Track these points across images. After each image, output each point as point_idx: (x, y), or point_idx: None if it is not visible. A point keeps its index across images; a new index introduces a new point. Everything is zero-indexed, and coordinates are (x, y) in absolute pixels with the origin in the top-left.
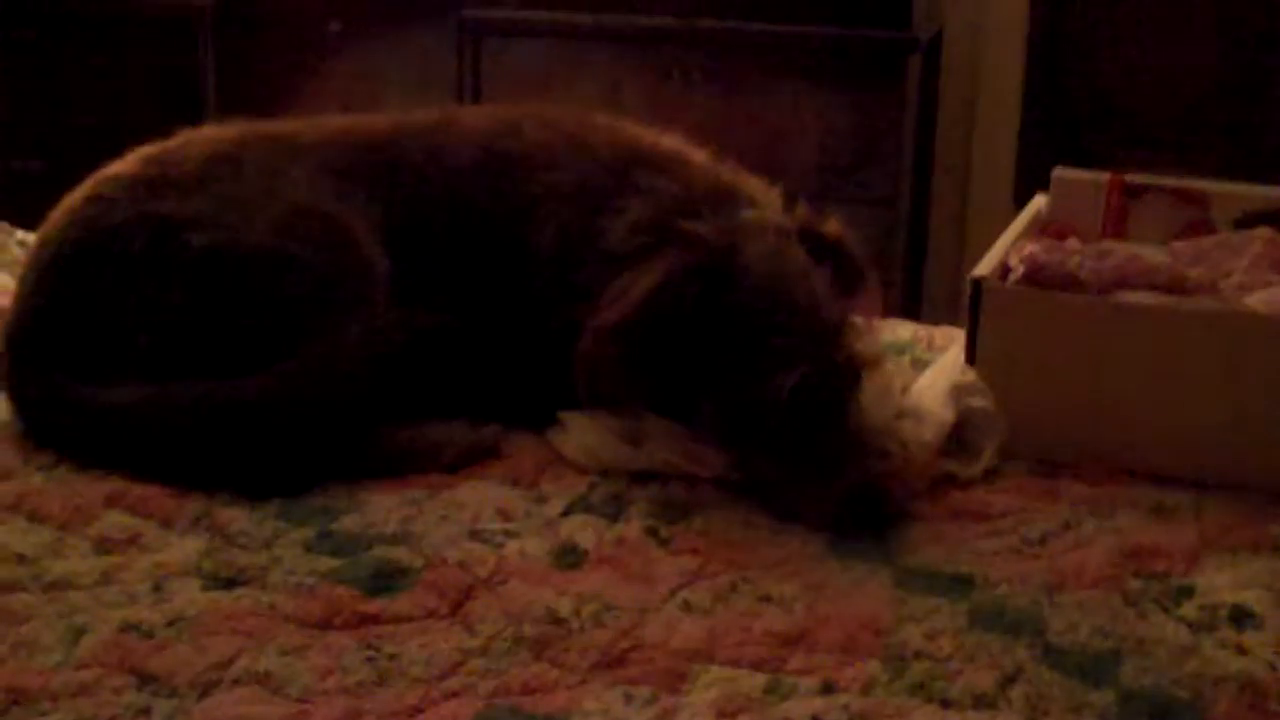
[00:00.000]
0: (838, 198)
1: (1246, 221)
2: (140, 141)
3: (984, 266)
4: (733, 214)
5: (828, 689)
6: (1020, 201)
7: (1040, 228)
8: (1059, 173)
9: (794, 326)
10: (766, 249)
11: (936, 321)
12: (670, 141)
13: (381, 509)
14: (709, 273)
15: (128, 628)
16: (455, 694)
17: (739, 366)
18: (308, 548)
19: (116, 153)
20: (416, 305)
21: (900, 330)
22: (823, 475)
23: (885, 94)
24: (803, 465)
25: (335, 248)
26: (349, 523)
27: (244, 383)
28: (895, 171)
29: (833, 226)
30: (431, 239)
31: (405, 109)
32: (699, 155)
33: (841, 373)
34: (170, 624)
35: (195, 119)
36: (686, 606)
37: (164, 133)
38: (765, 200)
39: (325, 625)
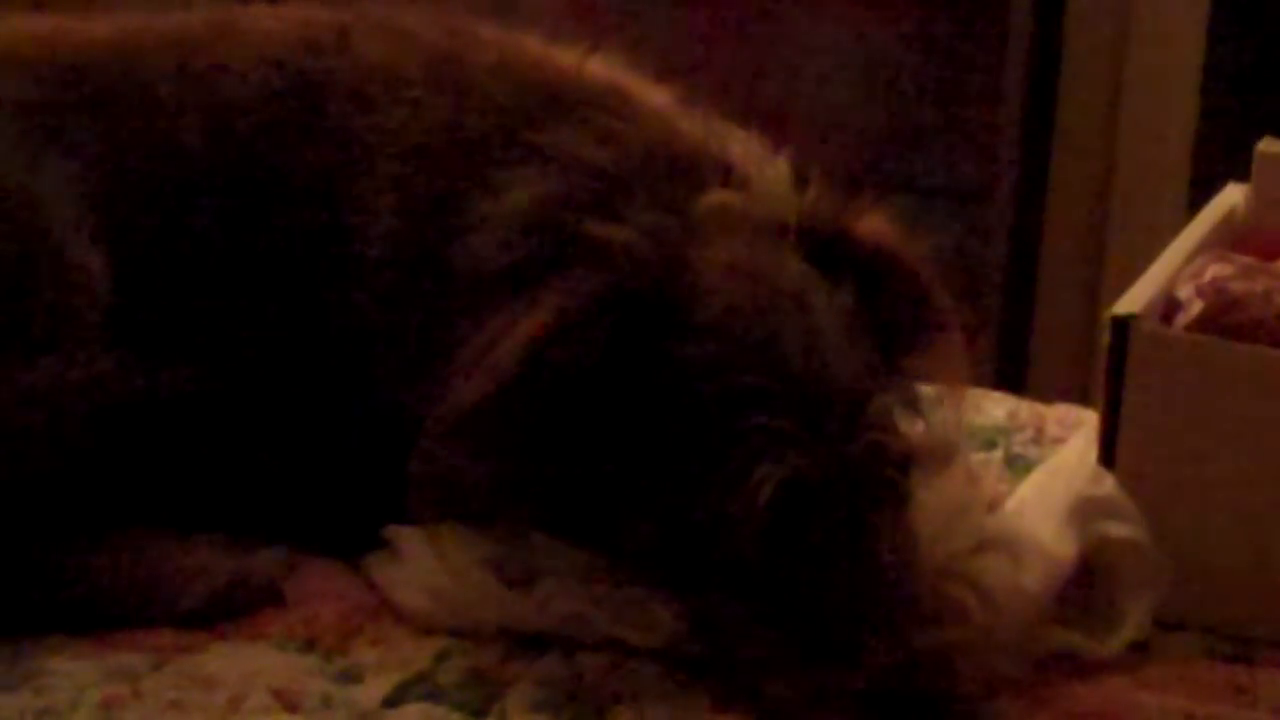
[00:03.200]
0: (896, 184)
1: None
2: None
3: (1134, 299)
4: (688, 199)
5: None
6: (1199, 197)
7: (1233, 238)
8: (1268, 147)
9: (780, 393)
10: (737, 263)
11: (1051, 394)
12: (603, 70)
13: (69, 685)
14: (633, 309)
15: None
16: None
17: (689, 463)
18: None
19: None
20: (155, 345)
21: (990, 406)
22: (838, 649)
23: (976, 15)
24: (803, 631)
25: (15, 240)
26: (9, 709)
27: None
28: (991, 144)
29: (872, 224)
30: (183, 229)
31: (147, 6)
32: (653, 95)
33: (867, 472)
34: None
35: None
36: None
37: None
38: (757, 175)
39: None
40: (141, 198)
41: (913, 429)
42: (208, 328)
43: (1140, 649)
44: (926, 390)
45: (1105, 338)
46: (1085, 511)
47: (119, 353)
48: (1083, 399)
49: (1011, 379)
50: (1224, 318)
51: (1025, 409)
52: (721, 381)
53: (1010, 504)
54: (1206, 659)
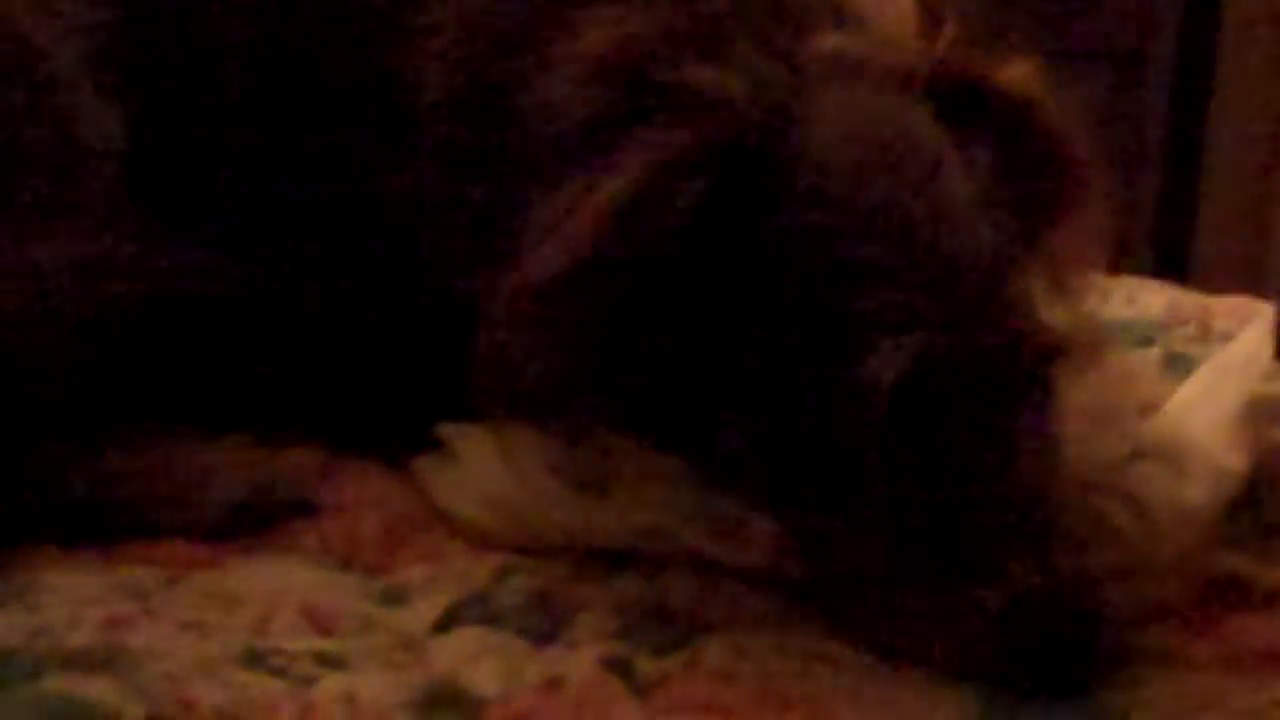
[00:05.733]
0: (1042, 44)
1: None
2: None
3: None
4: (795, 42)
5: None
6: None
7: None
8: None
9: (904, 269)
10: (855, 118)
11: (1218, 284)
12: None
13: (68, 601)
14: (732, 169)
15: None
16: None
17: (795, 349)
18: None
19: None
20: (176, 218)
21: (1146, 296)
22: (969, 571)
23: None
24: (927, 550)
25: (15, 93)
26: (3, 627)
27: None
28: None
29: (1014, 75)
30: (208, 79)
31: None
32: None
33: (1007, 364)
34: None
35: None
36: None
37: None
38: (875, 16)
39: None
40: (160, 44)
41: (1056, 318)
42: (235, 197)
43: None
44: (1069, 273)
45: None
46: (1259, 414)
47: (136, 227)
48: (1253, 289)
49: (1172, 266)
50: None
51: (1188, 301)
52: (835, 254)
53: (1170, 407)
54: None
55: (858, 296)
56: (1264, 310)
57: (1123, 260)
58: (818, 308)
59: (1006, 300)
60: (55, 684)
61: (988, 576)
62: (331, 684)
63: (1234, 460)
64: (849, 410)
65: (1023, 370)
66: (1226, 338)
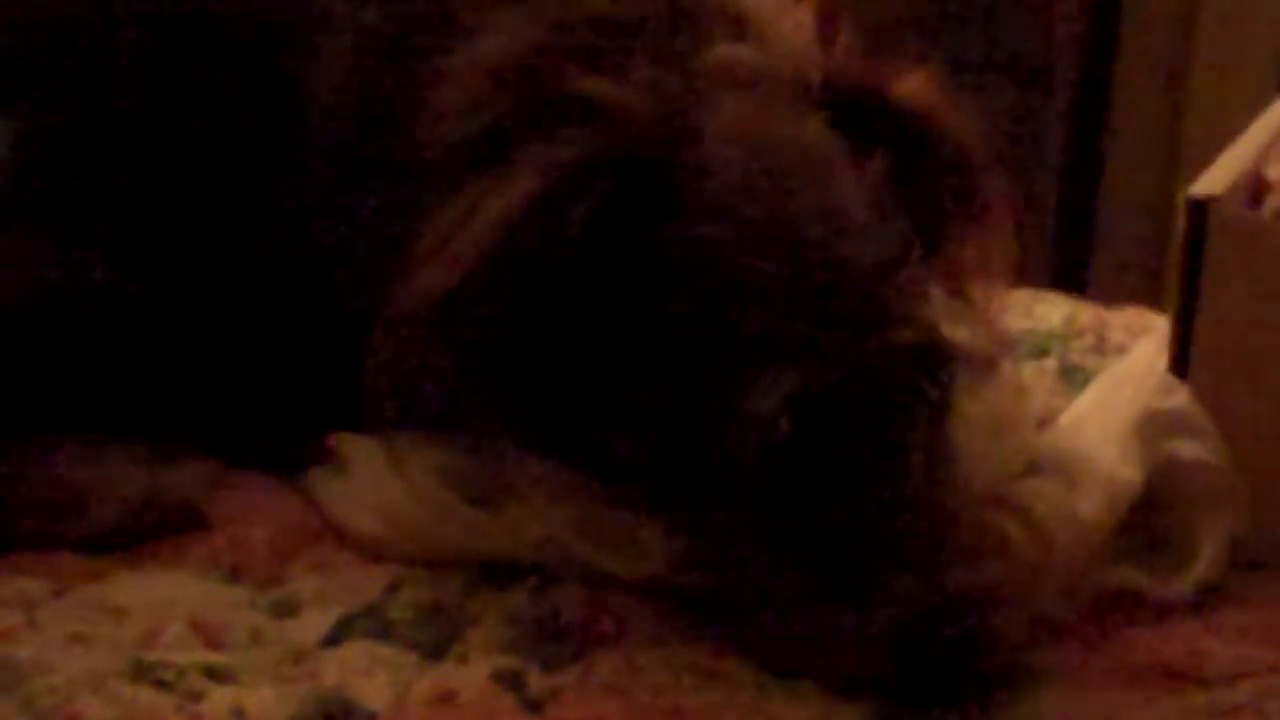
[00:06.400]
0: (944, 55)
1: None
2: None
3: (1216, 179)
4: (692, 52)
5: None
6: None
7: None
8: None
9: (790, 284)
10: (748, 129)
11: (1115, 297)
12: None
13: None
14: (625, 180)
15: None
16: None
17: (680, 370)
18: None
19: None
20: (62, 225)
21: (1044, 309)
22: (859, 588)
23: None
24: (819, 566)
25: None
26: None
27: None
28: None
29: (910, 86)
30: (95, 80)
31: None
32: None
33: (893, 378)
34: None
35: None
36: None
37: None
38: (773, 27)
39: None
40: (49, 50)
41: (953, 329)
42: (126, 202)
43: (1214, 590)
44: (969, 284)
45: (1182, 223)
46: (1152, 428)
47: (22, 234)
48: (1153, 302)
49: (1070, 278)
50: None
51: (1085, 312)
52: (722, 270)
53: (1065, 419)
54: None
55: (743, 318)
56: (1159, 324)
57: (1021, 271)
58: (704, 328)
59: (897, 312)
60: None
61: (878, 593)
62: (220, 697)
63: (1128, 473)
64: (732, 437)
65: (914, 383)
66: (1122, 350)
